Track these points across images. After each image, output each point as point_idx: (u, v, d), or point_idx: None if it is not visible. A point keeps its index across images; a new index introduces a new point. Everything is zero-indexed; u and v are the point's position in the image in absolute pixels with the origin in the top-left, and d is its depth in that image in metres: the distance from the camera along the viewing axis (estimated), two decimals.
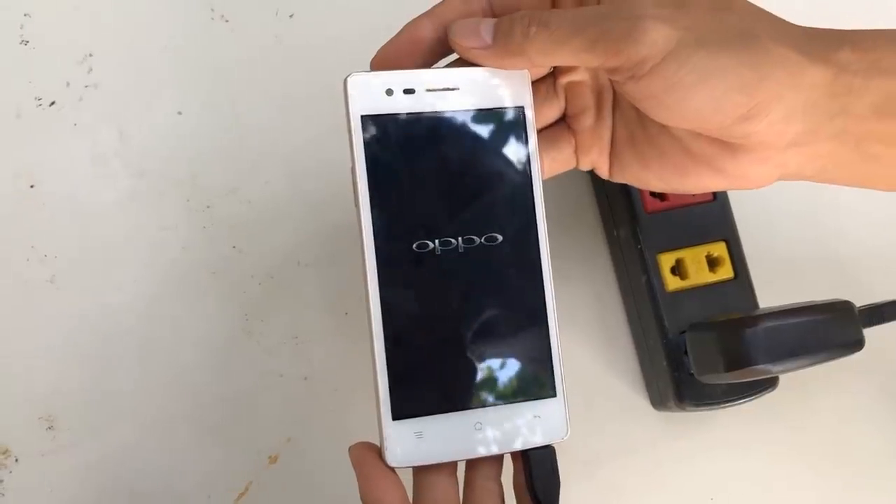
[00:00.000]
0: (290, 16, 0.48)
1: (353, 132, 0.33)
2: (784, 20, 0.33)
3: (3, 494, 0.43)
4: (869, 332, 0.39)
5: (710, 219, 0.45)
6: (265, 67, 0.47)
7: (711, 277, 0.45)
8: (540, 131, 0.37)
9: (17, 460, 0.43)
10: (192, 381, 0.44)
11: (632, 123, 0.36)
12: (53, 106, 0.45)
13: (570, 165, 0.38)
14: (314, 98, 0.47)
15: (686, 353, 0.43)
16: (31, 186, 0.45)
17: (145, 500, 0.43)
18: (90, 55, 0.46)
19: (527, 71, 0.35)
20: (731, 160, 0.34)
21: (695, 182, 0.36)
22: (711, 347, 0.41)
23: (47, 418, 0.43)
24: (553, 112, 0.38)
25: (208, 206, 0.46)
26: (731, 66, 0.31)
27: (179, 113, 0.46)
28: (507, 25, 0.33)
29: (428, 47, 0.34)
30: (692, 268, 0.44)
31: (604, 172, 0.38)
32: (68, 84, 0.46)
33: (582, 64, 0.34)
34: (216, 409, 0.44)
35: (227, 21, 0.47)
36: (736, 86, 0.31)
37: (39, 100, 0.45)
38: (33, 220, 0.44)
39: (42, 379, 0.43)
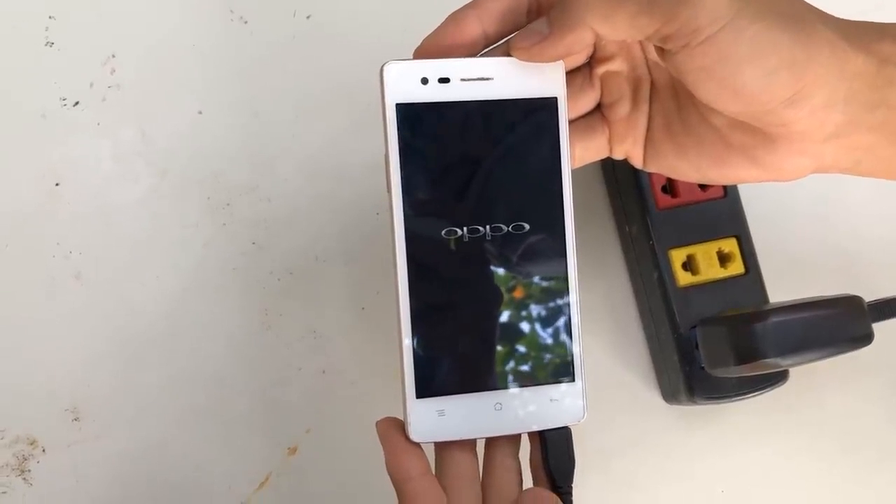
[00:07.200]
0: (308, 17, 0.49)
1: (387, 119, 0.34)
2: (825, 11, 0.33)
3: (31, 484, 0.44)
4: (878, 327, 0.40)
5: (721, 215, 0.45)
6: (283, 67, 0.48)
7: (722, 273, 0.45)
8: (574, 120, 0.36)
9: (44, 451, 0.44)
10: (213, 375, 0.45)
11: (669, 112, 0.36)
12: (77, 106, 0.46)
13: (603, 154, 0.38)
14: (332, 97, 0.48)
15: (697, 347, 0.43)
16: (56, 185, 0.46)
17: (167, 490, 0.44)
18: (113, 56, 0.47)
19: (562, 62, 0.35)
20: (768, 150, 0.34)
21: (731, 172, 0.36)
22: (722, 341, 0.41)
23: (73, 410, 0.44)
24: (588, 102, 0.37)
25: (228, 204, 0.47)
26: (785, 42, 0.31)
27: (200, 112, 0.47)
28: (560, 4, 0.32)
29: (471, 39, 0.34)
30: (703, 263, 0.45)
31: (638, 162, 0.38)
32: (92, 85, 0.47)
33: (638, 32, 0.32)
34: (236, 401, 0.45)
35: (245, 22, 0.48)
36: (787, 62, 0.31)
37: (64, 100, 0.46)
38: (58, 218, 0.46)
39: (67, 372, 0.45)
